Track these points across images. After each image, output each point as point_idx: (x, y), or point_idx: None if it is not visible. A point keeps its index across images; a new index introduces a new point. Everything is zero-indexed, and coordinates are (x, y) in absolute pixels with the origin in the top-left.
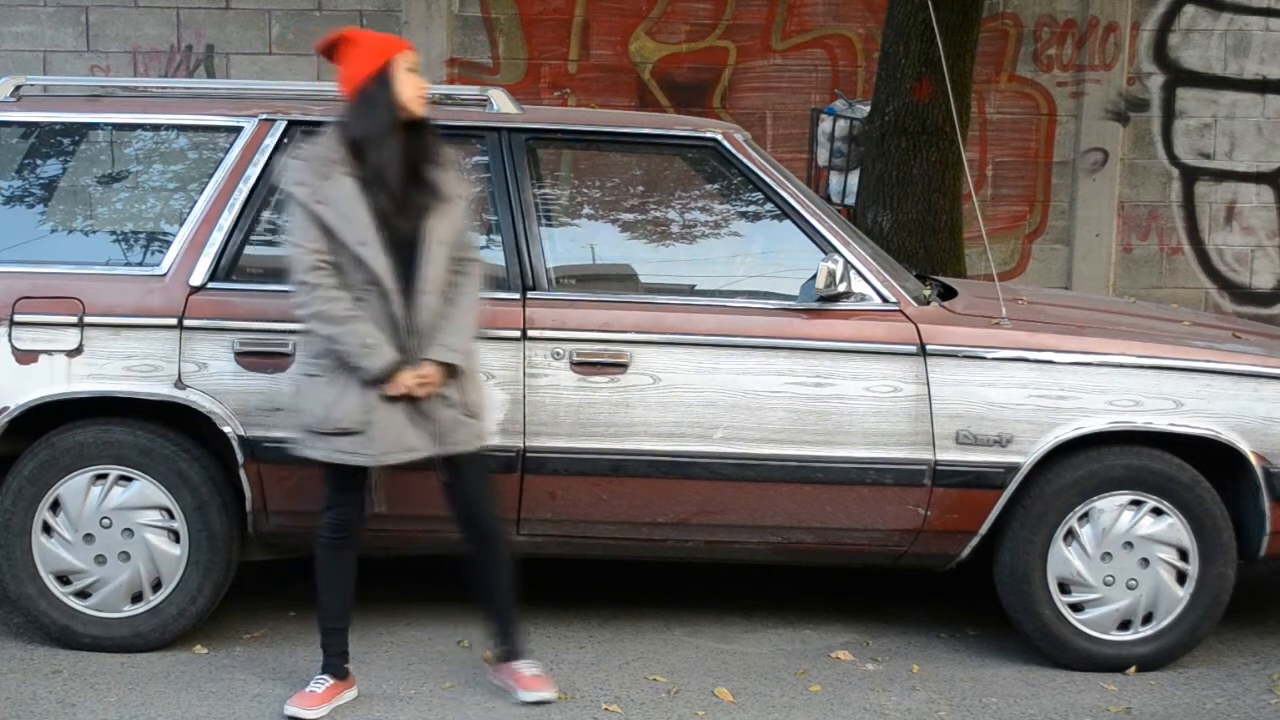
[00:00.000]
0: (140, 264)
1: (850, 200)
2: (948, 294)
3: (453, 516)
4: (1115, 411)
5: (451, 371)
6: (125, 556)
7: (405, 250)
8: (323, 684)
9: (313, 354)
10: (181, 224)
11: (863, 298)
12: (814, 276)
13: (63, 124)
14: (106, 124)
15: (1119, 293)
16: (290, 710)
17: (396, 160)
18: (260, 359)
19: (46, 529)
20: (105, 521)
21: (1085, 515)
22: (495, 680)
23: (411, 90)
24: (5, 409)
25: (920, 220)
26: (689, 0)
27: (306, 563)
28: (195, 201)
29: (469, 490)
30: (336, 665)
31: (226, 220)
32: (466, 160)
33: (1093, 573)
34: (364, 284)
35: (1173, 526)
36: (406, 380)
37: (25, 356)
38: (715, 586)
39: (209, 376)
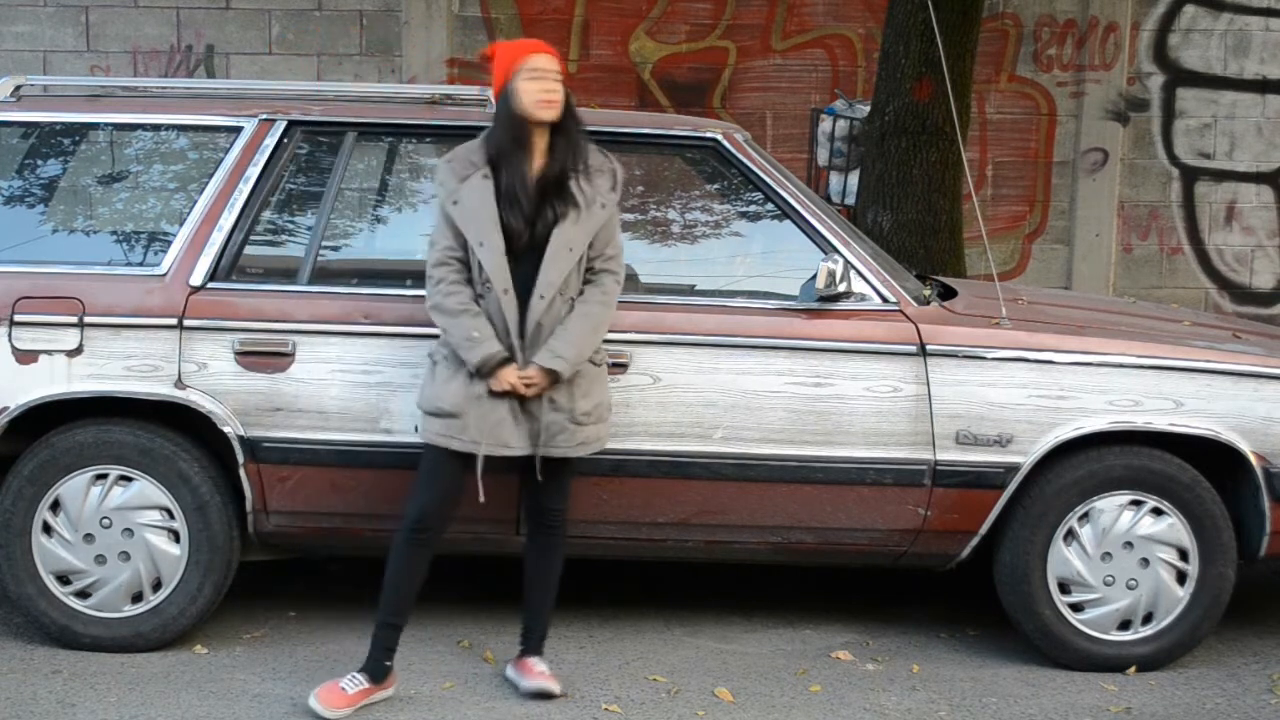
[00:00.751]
0: (140, 264)
1: (850, 200)
2: (948, 294)
3: (525, 512)
4: (1115, 411)
5: (558, 377)
6: (125, 556)
7: (533, 255)
8: (356, 684)
9: (439, 342)
10: (181, 224)
11: (863, 298)
12: (814, 276)
13: (63, 124)
14: (106, 124)
15: (1119, 293)
16: (315, 706)
17: (522, 172)
18: (260, 359)
19: (46, 529)
20: (105, 521)
21: (1085, 515)
22: (509, 673)
23: (531, 97)
24: (5, 409)
25: (920, 220)
26: (689, 0)
27: (307, 563)
28: (195, 201)
29: (551, 493)
30: (378, 664)
31: (226, 220)
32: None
33: (1093, 573)
34: (483, 283)
35: (1173, 526)
36: (509, 377)
37: (25, 356)
38: (715, 586)
39: (209, 376)
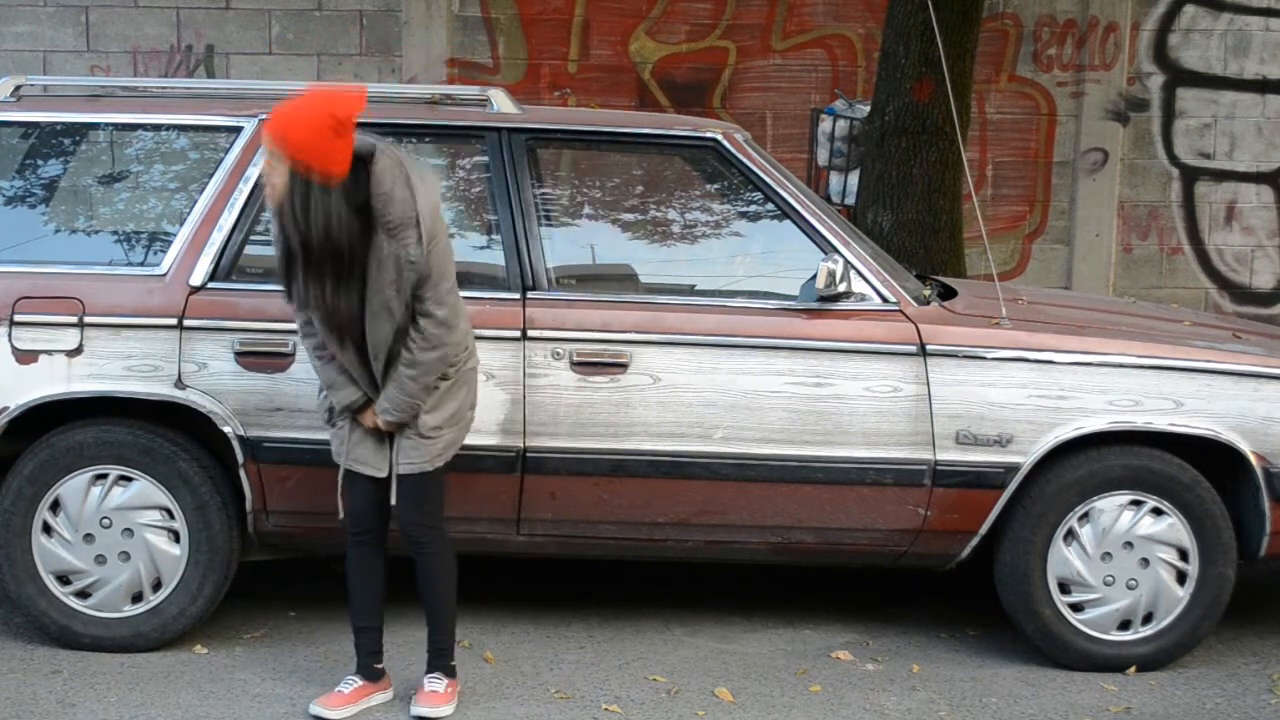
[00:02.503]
0: (140, 264)
1: (850, 200)
2: (948, 294)
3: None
4: (1115, 411)
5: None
6: (125, 556)
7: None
8: (351, 684)
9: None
10: (181, 224)
11: (863, 298)
12: (814, 276)
13: (63, 124)
14: (106, 124)
15: (1119, 293)
16: (315, 710)
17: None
18: (260, 359)
19: (46, 529)
20: (105, 521)
21: (1085, 515)
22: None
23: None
24: (5, 409)
25: (920, 220)
26: (689, 0)
27: (307, 563)
28: (195, 201)
29: (409, 505)
30: (367, 666)
31: (226, 220)
32: (464, 161)
33: (1093, 573)
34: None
35: (1173, 526)
36: (368, 419)
37: (25, 356)
38: (715, 586)
39: (209, 376)
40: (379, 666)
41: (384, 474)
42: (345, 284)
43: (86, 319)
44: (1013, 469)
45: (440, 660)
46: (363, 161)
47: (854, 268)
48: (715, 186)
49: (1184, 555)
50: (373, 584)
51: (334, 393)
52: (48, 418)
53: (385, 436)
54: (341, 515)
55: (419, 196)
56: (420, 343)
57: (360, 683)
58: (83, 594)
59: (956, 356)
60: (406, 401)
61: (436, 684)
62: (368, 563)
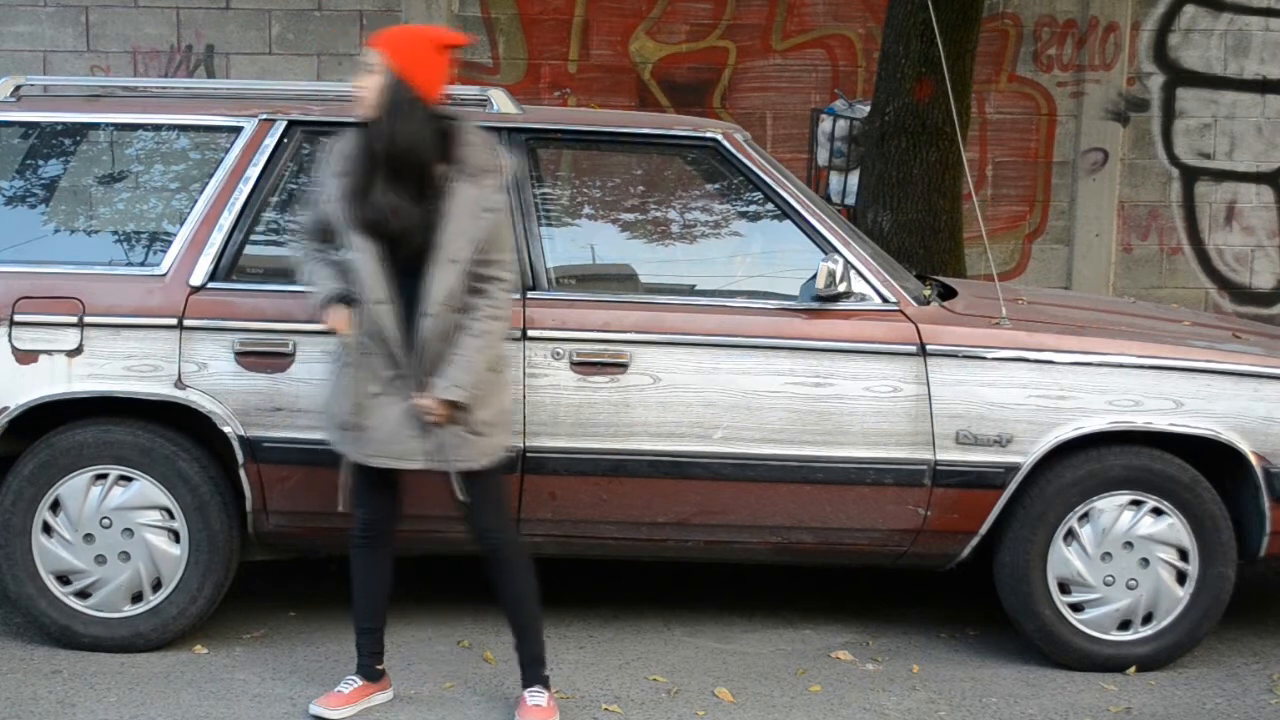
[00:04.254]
0: (140, 264)
1: (850, 200)
2: (948, 294)
3: (467, 531)
4: (1115, 411)
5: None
6: (125, 556)
7: (417, 266)
8: (351, 685)
9: (338, 350)
10: (181, 224)
11: (863, 298)
12: (814, 276)
13: (63, 124)
14: (106, 124)
15: (1119, 293)
16: (315, 710)
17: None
18: (260, 359)
19: (46, 529)
20: (105, 521)
21: (1085, 515)
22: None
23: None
24: (5, 409)
25: (920, 220)
26: (689, 0)
27: (307, 563)
28: (195, 201)
29: (474, 507)
30: (368, 667)
31: (226, 220)
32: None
33: (1093, 573)
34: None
35: (1173, 526)
36: (422, 403)
37: (25, 356)
38: (715, 586)
39: (209, 376)
40: (380, 667)
41: (424, 466)
42: (418, 211)
43: (86, 319)
44: (1013, 469)
45: (535, 671)
46: (452, 124)
47: (854, 268)
48: (715, 186)
49: (1184, 555)
50: (379, 586)
51: (317, 287)
52: (48, 418)
53: (417, 427)
54: (342, 507)
55: (502, 154)
56: (490, 310)
57: (360, 683)
58: (83, 594)
59: (956, 356)
60: (472, 379)
61: (539, 697)
62: (375, 565)
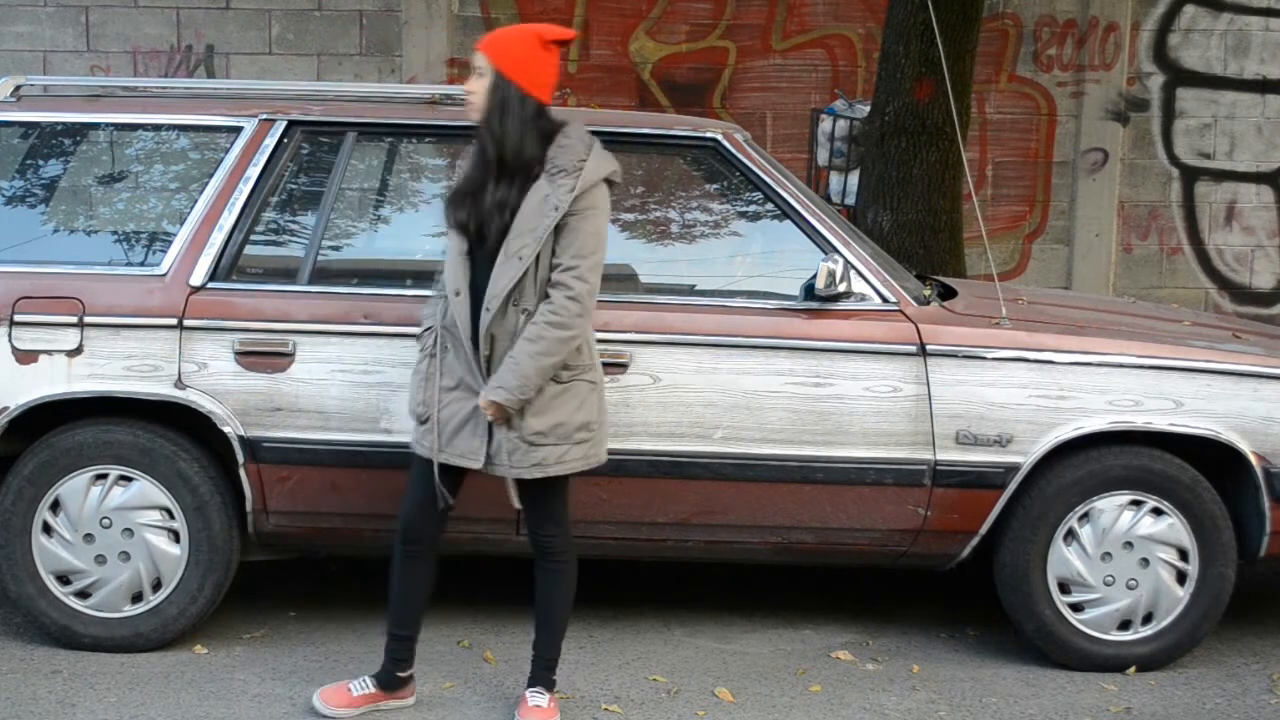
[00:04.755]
0: (140, 264)
1: (850, 200)
2: (948, 294)
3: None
4: (1115, 411)
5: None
6: (125, 556)
7: (490, 261)
8: (363, 688)
9: (420, 344)
10: (181, 224)
11: (863, 298)
12: (814, 276)
13: (63, 124)
14: (106, 124)
15: (1119, 293)
16: (317, 701)
17: (468, 173)
18: (260, 359)
19: (46, 529)
20: (105, 521)
21: (1085, 515)
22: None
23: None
24: (5, 409)
25: (920, 220)
26: (689, 0)
27: (307, 563)
28: (195, 201)
29: (531, 517)
30: (388, 674)
31: (227, 220)
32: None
33: (1093, 573)
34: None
35: (1173, 526)
36: (480, 402)
37: (25, 356)
38: (715, 586)
39: (209, 376)
40: (402, 675)
41: (479, 464)
42: (512, 204)
43: (86, 319)
44: (1013, 469)
45: (545, 673)
46: (558, 125)
47: (854, 268)
48: (715, 186)
49: (1184, 555)
50: (418, 594)
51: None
52: (48, 418)
53: (482, 429)
54: (445, 503)
55: (593, 157)
56: (548, 315)
57: (373, 689)
58: (83, 594)
59: (956, 356)
60: (519, 383)
61: (540, 698)
62: (416, 573)
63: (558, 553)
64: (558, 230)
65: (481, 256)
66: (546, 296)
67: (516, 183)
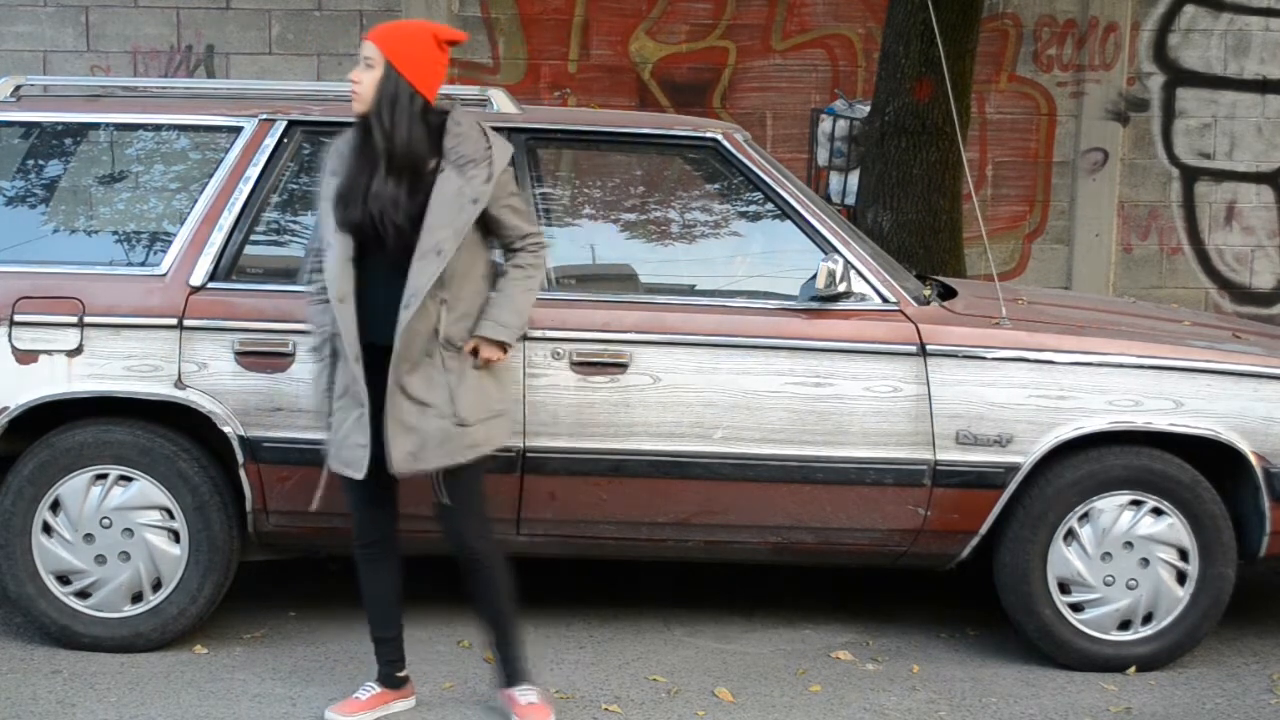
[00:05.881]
0: (140, 264)
1: (850, 200)
2: (948, 294)
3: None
4: (1115, 411)
5: (506, 348)
6: (125, 556)
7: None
8: (369, 691)
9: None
10: (181, 224)
11: (863, 298)
12: (814, 276)
13: (63, 124)
14: (106, 124)
15: (1119, 293)
16: (330, 716)
17: (355, 169)
18: (260, 359)
19: (46, 529)
20: (105, 521)
21: (1085, 515)
22: (499, 703)
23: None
24: (5, 409)
25: (920, 220)
26: (689, 0)
27: (307, 563)
28: (195, 201)
29: (452, 510)
30: (387, 674)
31: (227, 220)
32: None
33: (1093, 573)
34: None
35: (1173, 526)
36: (468, 350)
37: (25, 356)
38: (715, 586)
39: (209, 376)
40: (400, 674)
41: (360, 475)
42: (410, 205)
43: (86, 319)
44: (1013, 469)
45: (516, 668)
46: (444, 118)
47: (854, 268)
48: (715, 186)
49: (1184, 555)
50: (387, 594)
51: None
52: (48, 418)
53: (367, 435)
54: (314, 507)
55: (495, 142)
56: (531, 259)
57: (378, 690)
58: (83, 594)
59: (956, 356)
60: (519, 319)
61: (529, 694)
62: (380, 574)
63: (486, 554)
64: (482, 219)
65: (378, 256)
66: (517, 251)
67: (406, 177)
